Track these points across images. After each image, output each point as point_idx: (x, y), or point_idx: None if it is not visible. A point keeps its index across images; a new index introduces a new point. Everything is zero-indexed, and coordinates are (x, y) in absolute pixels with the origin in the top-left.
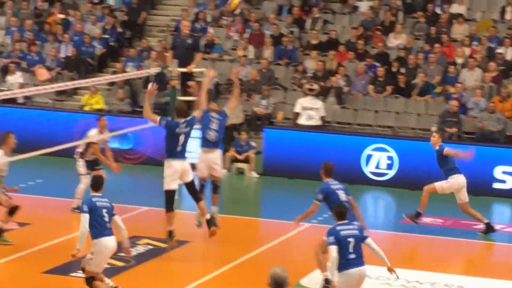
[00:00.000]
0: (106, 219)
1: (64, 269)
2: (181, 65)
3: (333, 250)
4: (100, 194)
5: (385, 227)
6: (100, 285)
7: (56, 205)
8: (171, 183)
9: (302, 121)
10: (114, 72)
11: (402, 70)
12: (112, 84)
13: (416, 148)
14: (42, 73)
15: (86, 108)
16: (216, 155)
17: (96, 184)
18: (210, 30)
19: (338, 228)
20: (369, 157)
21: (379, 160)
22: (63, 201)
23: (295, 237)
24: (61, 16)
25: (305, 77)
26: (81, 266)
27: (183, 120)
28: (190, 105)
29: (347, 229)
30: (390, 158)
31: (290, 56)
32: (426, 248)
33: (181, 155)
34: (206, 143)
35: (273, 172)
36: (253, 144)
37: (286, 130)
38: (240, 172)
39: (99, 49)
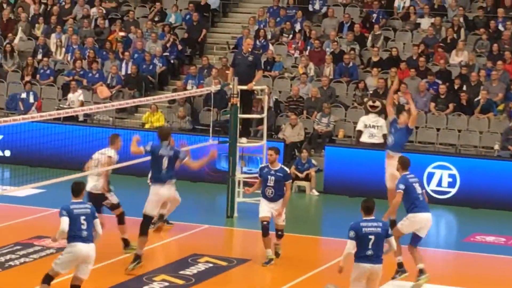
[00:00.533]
0: (84, 226)
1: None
2: (242, 82)
3: (350, 245)
4: (80, 200)
5: (447, 246)
6: None
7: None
8: (153, 209)
9: (364, 138)
10: (175, 90)
11: (464, 88)
12: (172, 101)
13: (478, 166)
14: (103, 91)
15: (147, 126)
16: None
17: (76, 190)
18: (271, 47)
19: (362, 224)
20: (431, 175)
21: (441, 178)
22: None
23: None
24: (122, 34)
25: (366, 94)
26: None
27: (167, 143)
28: (251, 123)
29: (371, 226)
30: (452, 176)
31: (351, 73)
32: (489, 267)
33: (165, 178)
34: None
35: (334, 190)
36: (314, 162)
37: (347, 148)
38: (301, 190)
39: (159, 66)
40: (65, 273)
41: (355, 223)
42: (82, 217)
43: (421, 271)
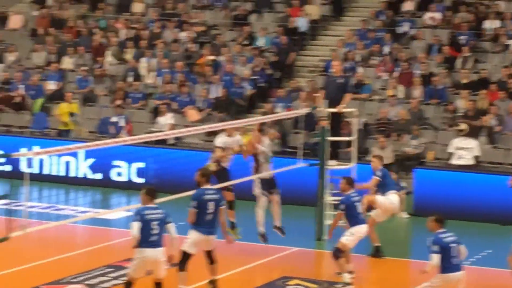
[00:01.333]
0: (154, 231)
1: None
2: (331, 105)
3: (435, 258)
4: (153, 205)
5: None
6: None
7: None
8: (191, 247)
9: (453, 161)
10: (264, 113)
11: None
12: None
13: None
14: (193, 114)
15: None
16: None
17: (150, 194)
18: (359, 69)
19: (441, 236)
20: None
21: None
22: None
23: None
24: (211, 57)
25: (455, 116)
26: None
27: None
28: (340, 145)
29: (448, 236)
30: None
31: (440, 95)
32: None
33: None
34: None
35: (424, 212)
36: (404, 184)
37: (436, 170)
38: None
39: (248, 89)
40: (140, 277)
41: (435, 237)
42: (155, 222)
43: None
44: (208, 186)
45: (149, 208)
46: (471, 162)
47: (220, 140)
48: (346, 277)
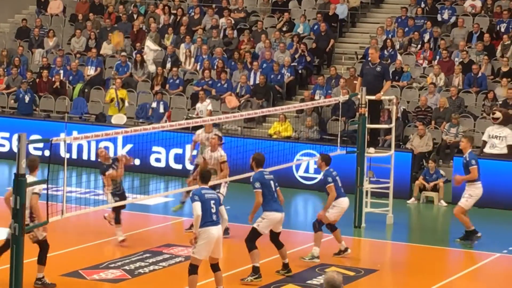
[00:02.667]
0: (213, 210)
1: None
2: (370, 92)
3: None
4: (207, 187)
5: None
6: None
7: (242, 231)
8: (266, 228)
9: (486, 149)
10: (302, 100)
11: None
12: (300, 111)
13: None
14: (231, 100)
15: (274, 136)
16: None
17: (205, 178)
18: (399, 57)
19: None
20: None
21: None
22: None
23: (484, 268)
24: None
25: (495, 105)
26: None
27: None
28: (379, 133)
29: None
30: None
31: (480, 83)
32: None
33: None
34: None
35: None
36: (442, 172)
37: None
38: (429, 200)
39: (287, 76)
40: (205, 258)
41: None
42: (212, 202)
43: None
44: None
45: (205, 188)
46: (504, 151)
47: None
48: (316, 251)
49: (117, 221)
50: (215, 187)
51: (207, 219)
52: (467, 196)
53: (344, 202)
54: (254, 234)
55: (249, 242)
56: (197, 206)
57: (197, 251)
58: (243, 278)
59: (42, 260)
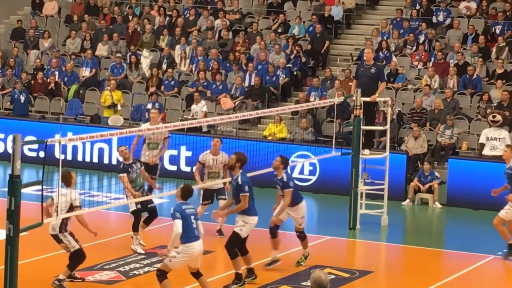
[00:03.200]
0: (194, 225)
1: None
2: (365, 94)
3: None
4: (187, 202)
5: None
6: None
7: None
8: (247, 232)
9: (486, 151)
10: (297, 102)
11: None
12: (295, 113)
13: None
14: (226, 102)
15: (269, 138)
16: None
17: (186, 194)
18: (394, 59)
19: None
20: None
21: None
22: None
23: (478, 270)
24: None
25: (489, 106)
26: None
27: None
28: (374, 135)
29: None
30: None
31: (475, 85)
32: None
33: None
34: None
35: (457, 202)
36: (437, 174)
37: (470, 161)
38: (424, 202)
39: (282, 78)
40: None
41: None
42: (192, 217)
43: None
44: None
45: (185, 203)
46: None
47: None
48: (276, 255)
49: (135, 228)
50: (218, 192)
51: (191, 235)
52: (507, 208)
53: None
54: (236, 240)
55: (232, 248)
56: (178, 223)
57: (174, 264)
58: (226, 286)
59: (70, 264)
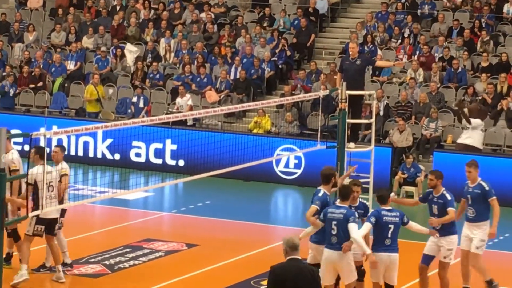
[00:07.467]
0: (334, 231)
1: None
2: (351, 87)
3: None
4: (346, 205)
5: None
6: None
7: (223, 227)
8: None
9: (460, 140)
10: (283, 95)
11: None
12: (280, 106)
13: None
14: (211, 95)
15: (255, 130)
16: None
17: (345, 194)
18: (379, 52)
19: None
20: None
21: None
22: (231, 222)
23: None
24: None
25: (474, 100)
26: None
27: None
28: (359, 128)
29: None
30: None
31: (460, 78)
32: None
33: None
34: None
35: None
36: (421, 167)
37: (455, 154)
38: (409, 195)
39: (267, 71)
40: None
41: None
42: (334, 222)
43: None
44: None
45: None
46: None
47: None
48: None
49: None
50: None
51: (326, 240)
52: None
53: None
54: None
55: None
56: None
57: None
58: None
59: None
